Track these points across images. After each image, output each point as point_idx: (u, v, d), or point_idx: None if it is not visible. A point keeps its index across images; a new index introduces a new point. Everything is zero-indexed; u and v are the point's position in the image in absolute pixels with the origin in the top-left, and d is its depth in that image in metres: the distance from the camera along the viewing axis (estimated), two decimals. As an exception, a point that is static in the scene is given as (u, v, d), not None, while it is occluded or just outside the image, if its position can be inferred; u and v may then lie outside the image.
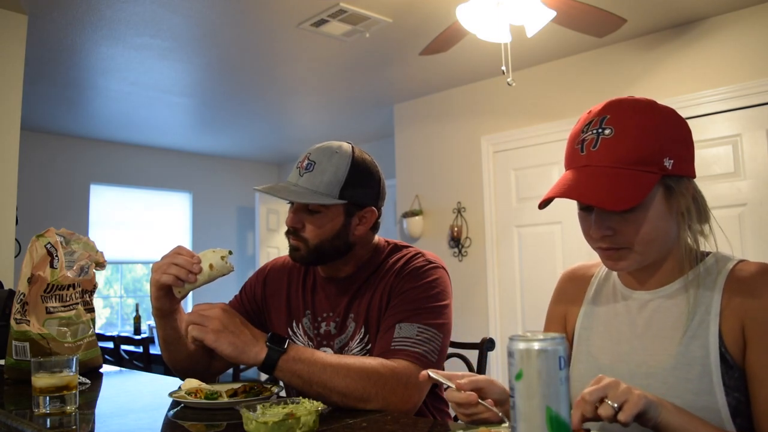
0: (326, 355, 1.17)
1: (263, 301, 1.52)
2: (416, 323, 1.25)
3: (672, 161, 0.94)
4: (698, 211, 0.99)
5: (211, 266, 1.25)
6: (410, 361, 1.21)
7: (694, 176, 1.00)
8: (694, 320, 0.95)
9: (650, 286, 1.03)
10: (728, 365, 0.91)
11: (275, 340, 1.13)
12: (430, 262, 1.37)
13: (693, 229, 0.99)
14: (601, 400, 0.77)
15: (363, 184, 1.34)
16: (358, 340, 1.35)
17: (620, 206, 0.92)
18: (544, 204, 1.00)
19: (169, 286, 1.25)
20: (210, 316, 1.12)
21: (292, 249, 1.36)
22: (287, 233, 1.37)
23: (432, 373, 0.96)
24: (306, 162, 1.32)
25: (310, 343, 1.42)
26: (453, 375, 0.96)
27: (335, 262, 1.38)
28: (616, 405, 0.76)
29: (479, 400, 0.92)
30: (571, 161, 1.00)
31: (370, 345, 1.33)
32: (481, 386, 0.95)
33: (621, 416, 0.75)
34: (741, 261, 0.98)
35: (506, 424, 0.91)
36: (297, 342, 1.43)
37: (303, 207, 1.32)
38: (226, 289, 7.01)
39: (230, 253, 1.28)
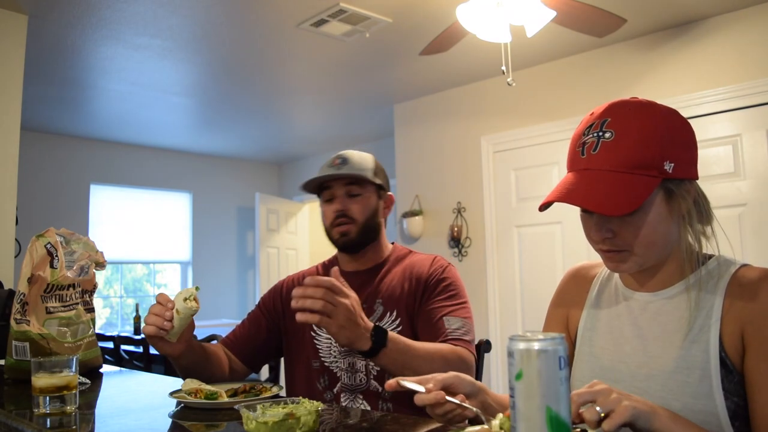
0: (416, 345, 1.31)
1: (283, 310, 1.64)
2: (458, 317, 1.47)
3: (673, 165, 0.93)
4: (699, 213, 0.99)
5: (177, 311, 1.28)
6: (468, 348, 1.43)
7: (697, 178, 0.99)
8: (696, 324, 0.94)
9: (651, 288, 1.03)
10: (728, 370, 0.90)
11: (378, 333, 1.24)
12: (449, 264, 1.60)
13: (695, 231, 0.99)
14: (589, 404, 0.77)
15: (383, 174, 1.63)
16: (389, 322, 1.51)
17: (619, 211, 0.92)
18: (544, 207, 1.00)
19: (154, 336, 1.31)
20: (338, 310, 1.17)
21: (342, 235, 1.54)
22: (333, 224, 1.55)
23: (402, 381, 0.94)
24: (339, 160, 1.56)
25: None
26: (423, 379, 0.95)
27: (367, 248, 1.58)
28: (602, 412, 0.76)
29: (447, 398, 0.92)
30: (572, 164, 1.00)
31: (401, 327, 1.49)
32: (449, 383, 0.95)
33: (605, 425, 0.75)
34: (744, 266, 0.97)
35: (481, 418, 0.93)
36: (320, 334, 1.55)
37: (345, 195, 1.55)
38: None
39: (197, 289, 1.32)
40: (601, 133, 0.96)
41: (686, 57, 3.47)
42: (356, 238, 1.54)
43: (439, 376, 0.96)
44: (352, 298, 1.20)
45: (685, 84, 3.45)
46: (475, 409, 0.94)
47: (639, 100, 1.00)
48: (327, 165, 1.57)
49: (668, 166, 0.93)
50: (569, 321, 1.15)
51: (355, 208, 1.54)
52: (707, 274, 0.98)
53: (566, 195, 0.95)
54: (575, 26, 2.76)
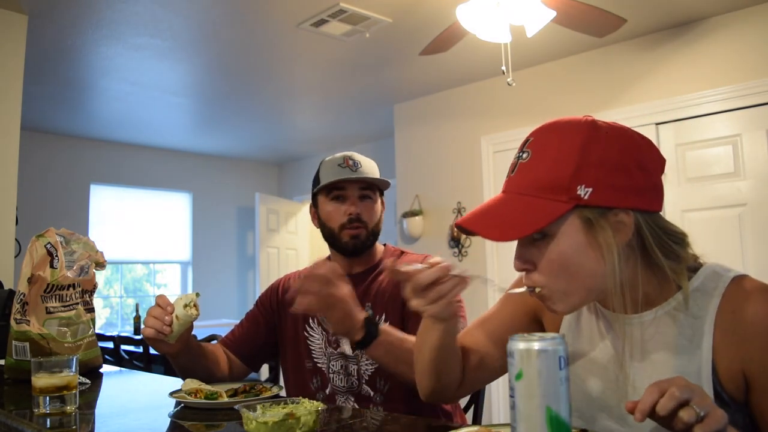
0: (411, 338, 1.25)
1: (278, 309, 1.64)
2: None
3: (589, 190, 0.83)
4: (631, 248, 0.86)
5: (177, 317, 1.30)
6: None
7: (646, 207, 0.86)
8: (683, 352, 0.86)
9: (628, 310, 0.91)
10: (723, 402, 0.83)
11: (370, 325, 1.23)
12: None
13: (649, 263, 0.88)
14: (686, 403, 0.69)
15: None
16: None
17: (502, 237, 0.84)
18: (461, 229, 0.90)
19: (153, 338, 1.32)
20: (334, 301, 1.19)
21: (352, 238, 1.52)
22: (345, 226, 1.51)
23: (398, 267, 0.91)
24: (351, 161, 1.55)
25: (324, 333, 1.53)
26: (414, 267, 0.92)
27: (367, 251, 1.56)
28: (701, 413, 0.68)
29: (451, 272, 0.90)
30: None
31: None
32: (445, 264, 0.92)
33: (698, 428, 0.68)
34: (734, 279, 0.87)
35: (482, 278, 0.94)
36: (313, 335, 1.55)
37: (357, 199, 1.54)
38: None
39: (197, 295, 1.33)
40: (520, 154, 0.89)
41: (686, 57, 3.46)
42: (366, 242, 1.54)
43: (432, 260, 0.92)
44: (346, 290, 1.22)
45: (685, 84, 3.45)
46: (476, 274, 0.92)
47: (573, 118, 0.89)
48: (337, 164, 1.54)
49: (583, 191, 0.83)
50: (546, 314, 1.05)
51: (367, 213, 1.54)
52: (692, 294, 0.88)
53: (465, 219, 0.88)
54: (575, 26, 2.76)
